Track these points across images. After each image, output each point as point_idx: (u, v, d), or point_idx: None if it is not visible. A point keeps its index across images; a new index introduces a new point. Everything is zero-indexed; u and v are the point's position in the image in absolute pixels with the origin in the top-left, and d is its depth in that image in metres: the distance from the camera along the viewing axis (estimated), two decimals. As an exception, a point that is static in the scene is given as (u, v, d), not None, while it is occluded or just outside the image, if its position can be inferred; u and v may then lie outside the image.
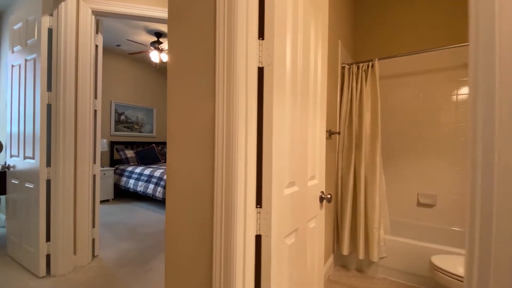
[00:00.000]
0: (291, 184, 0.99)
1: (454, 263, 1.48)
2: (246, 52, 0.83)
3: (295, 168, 1.02)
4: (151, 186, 3.90)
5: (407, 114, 2.62)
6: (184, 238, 0.99)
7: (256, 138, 0.87)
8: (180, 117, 1.00)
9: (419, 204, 2.57)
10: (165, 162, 5.27)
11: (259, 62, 0.88)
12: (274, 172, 0.86)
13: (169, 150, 1.04)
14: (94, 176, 2.26)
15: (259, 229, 0.88)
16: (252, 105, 0.86)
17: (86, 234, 2.15)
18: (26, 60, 2.08)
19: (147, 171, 4.13)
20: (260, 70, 0.88)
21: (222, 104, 0.84)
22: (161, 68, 5.74)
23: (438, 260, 1.54)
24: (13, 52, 2.25)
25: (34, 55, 2.00)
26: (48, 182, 1.98)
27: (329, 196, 1.22)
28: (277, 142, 0.88)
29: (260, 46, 0.88)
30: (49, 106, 1.99)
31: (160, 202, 4.33)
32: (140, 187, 4.06)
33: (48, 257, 1.99)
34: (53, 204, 1.97)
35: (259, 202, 0.88)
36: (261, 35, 0.88)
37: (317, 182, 1.23)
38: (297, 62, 1.03)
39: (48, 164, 1.97)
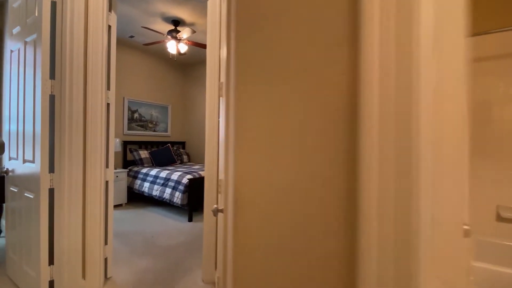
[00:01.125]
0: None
1: None
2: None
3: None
4: (168, 190, 3.52)
5: (482, 106, 2.13)
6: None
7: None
8: (263, 91, 0.58)
9: (500, 218, 2.07)
10: (181, 163, 4.90)
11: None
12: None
13: (239, 146, 0.62)
14: (107, 183, 1.88)
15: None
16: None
17: (97, 253, 1.77)
18: (25, 43, 1.72)
19: (163, 174, 3.76)
20: None
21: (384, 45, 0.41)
22: (178, 61, 5.38)
23: None
24: (12, 35, 1.90)
25: (35, 35, 1.63)
26: (52, 191, 1.61)
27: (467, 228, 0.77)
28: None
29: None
30: (52, 98, 1.61)
31: (178, 208, 3.96)
32: (156, 191, 3.69)
33: (51, 283, 1.62)
34: (58, 219, 1.60)
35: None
36: None
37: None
38: None
39: (51, 169, 1.60)
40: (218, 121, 1.90)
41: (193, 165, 4.68)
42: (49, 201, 1.58)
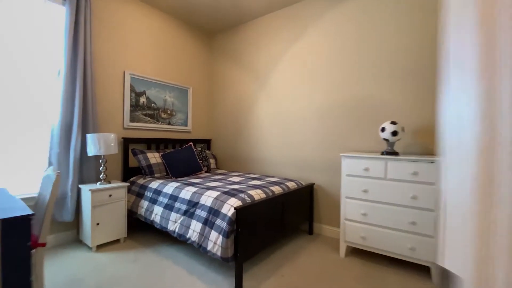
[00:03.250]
0: None
1: None
2: None
3: None
4: (196, 225, 1.97)
5: None
6: None
7: None
8: None
9: None
10: (208, 171, 3.35)
11: None
12: None
13: None
14: None
15: None
16: None
17: None
18: None
19: (186, 193, 2.21)
20: None
21: None
22: (200, 24, 3.83)
23: None
24: None
25: None
26: None
27: None
28: None
29: None
30: None
31: (213, 261, 2.37)
32: (174, 223, 2.15)
33: None
34: None
35: None
36: None
37: None
38: None
39: None
40: None
41: (227, 175, 3.11)
42: None
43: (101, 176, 2.48)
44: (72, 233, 2.50)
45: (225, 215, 1.81)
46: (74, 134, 2.40)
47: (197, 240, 1.91)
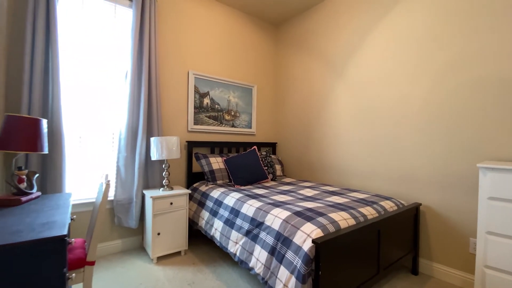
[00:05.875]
0: None
1: None
2: None
3: None
4: (260, 252, 1.54)
5: None
6: None
7: None
8: None
9: None
10: (273, 179, 2.91)
11: None
12: None
13: None
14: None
15: None
16: None
17: None
18: None
19: (249, 208, 1.81)
20: None
21: None
22: (265, 15, 3.47)
23: None
24: None
25: None
26: None
27: None
28: None
29: None
30: None
31: None
32: (235, 245, 1.78)
33: None
34: None
35: None
36: None
37: None
38: None
39: None
40: None
41: (296, 185, 2.61)
42: None
43: (163, 182, 2.34)
44: (138, 239, 2.44)
45: (299, 247, 1.32)
46: (139, 137, 2.33)
47: (261, 274, 1.48)
